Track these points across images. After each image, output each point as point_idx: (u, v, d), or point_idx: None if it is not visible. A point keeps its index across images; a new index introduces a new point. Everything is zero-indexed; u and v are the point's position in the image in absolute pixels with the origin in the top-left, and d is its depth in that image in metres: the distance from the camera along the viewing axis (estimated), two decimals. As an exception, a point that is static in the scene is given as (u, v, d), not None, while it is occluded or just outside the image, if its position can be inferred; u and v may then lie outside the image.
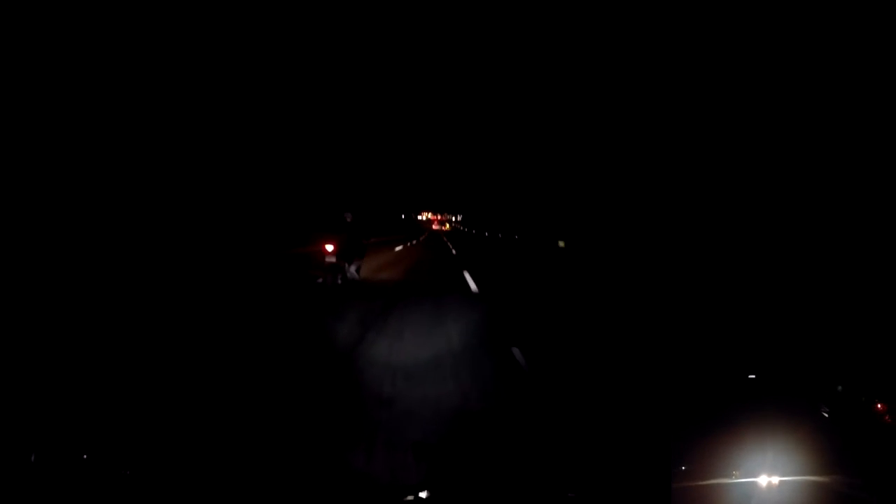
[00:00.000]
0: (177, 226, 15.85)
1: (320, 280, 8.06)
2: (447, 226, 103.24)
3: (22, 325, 4.98)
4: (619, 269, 15.19)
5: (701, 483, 1.53)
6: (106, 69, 15.20)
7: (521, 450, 2.75)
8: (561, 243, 26.26)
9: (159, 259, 12.26)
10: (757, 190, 13.56)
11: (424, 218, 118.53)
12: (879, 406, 1.53)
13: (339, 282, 8.00)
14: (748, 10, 13.98)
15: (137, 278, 9.25)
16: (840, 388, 1.59)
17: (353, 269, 8.30)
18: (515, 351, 4.80)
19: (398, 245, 23.23)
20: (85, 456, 1.42)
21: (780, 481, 1.47)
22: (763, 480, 1.47)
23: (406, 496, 1.39)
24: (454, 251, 23.37)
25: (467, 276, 11.65)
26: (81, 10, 14.41)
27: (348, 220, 8.21)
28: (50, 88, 13.66)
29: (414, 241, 27.90)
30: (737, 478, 1.50)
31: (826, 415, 1.53)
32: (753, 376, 1.87)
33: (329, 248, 7.88)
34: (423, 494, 1.39)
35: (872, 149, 10.56)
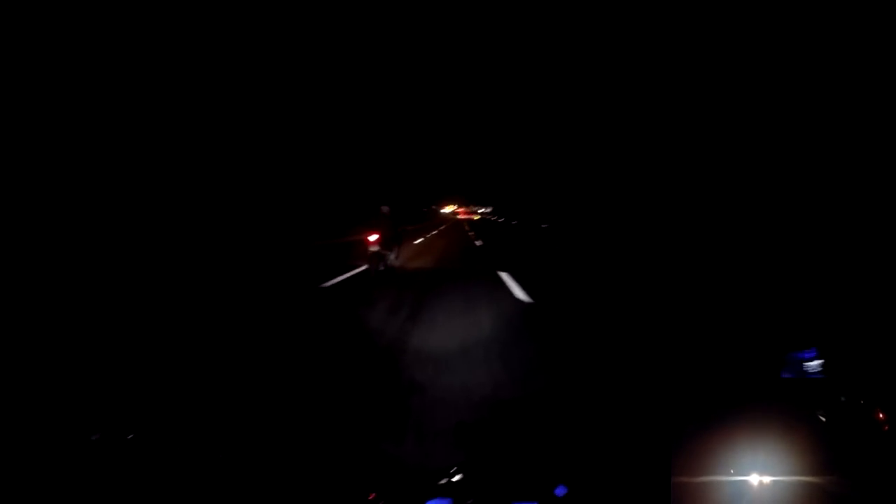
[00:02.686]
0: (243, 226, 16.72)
1: (366, 267, 9.31)
2: (476, 216, 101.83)
3: (34, 323, 5.36)
4: (627, 270, 14.92)
5: (691, 479, 1.55)
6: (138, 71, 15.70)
7: (552, 434, 2.78)
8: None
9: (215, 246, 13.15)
10: (761, 190, 13.22)
11: (450, 210, 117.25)
12: (879, 411, 1.53)
13: (382, 268, 9.11)
14: (740, 10, 13.55)
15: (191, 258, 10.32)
16: (843, 398, 1.57)
17: (392, 256, 9.47)
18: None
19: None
20: (130, 436, 1.41)
21: (773, 481, 1.48)
22: (755, 479, 1.48)
23: (440, 479, 1.35)
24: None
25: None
26: (82, 10, 14.83)
27: (385, 212, 9.16)
28: (63, 89, 14.11)
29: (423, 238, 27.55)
30: (728, 476, 1.51)
31: (822, 419, 1.53)
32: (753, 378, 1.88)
33: (372, 238, 8.87)
34: (455, 478, 1.36)
35: (872, 149, 10.15)
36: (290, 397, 3.40)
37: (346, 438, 2.73)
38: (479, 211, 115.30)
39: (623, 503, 1.47)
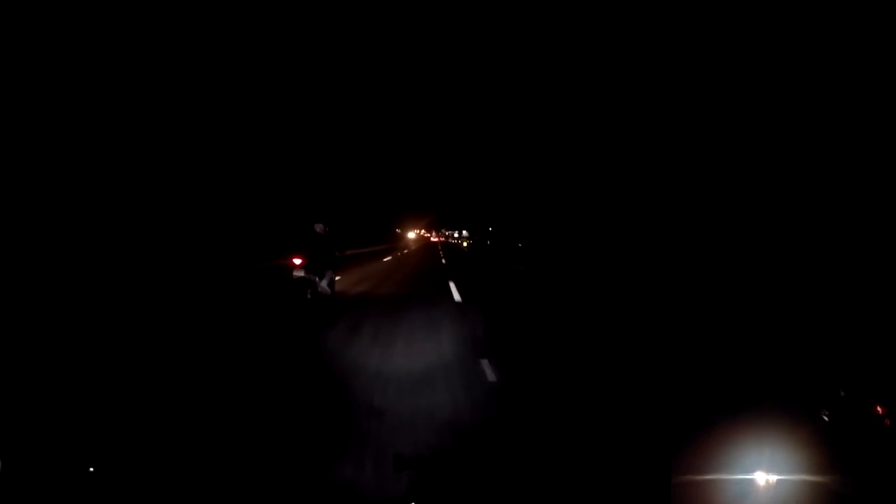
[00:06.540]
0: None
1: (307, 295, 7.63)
2: (465, 244, 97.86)
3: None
4: (625, 274, 14.99)
5: (698, 478, 1.52)
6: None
7: (509, 460, 2.68)
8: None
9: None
10: (758, 189, 13.48)
11: (415, 235, 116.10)
12: (879, 409, 1.54)
13: (309, 296, 7.55)
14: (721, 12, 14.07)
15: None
16: (842, 393, 1.59)
17: (324, 283, 7.86)
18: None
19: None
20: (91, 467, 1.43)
21: (777, 479, 1.46)
22: (760, 478, 1.48)
23: None
24: None
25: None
26: (74, 9, 14.34)
27: (319, 231, 7.81)
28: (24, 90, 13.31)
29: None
30: (733, 474, 1.49)
31: (826, 418, 1.53)
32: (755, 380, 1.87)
33: (297, 261, 7.54)
34: None
35: (872, 148, 10.54)
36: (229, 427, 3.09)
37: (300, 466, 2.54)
38: (454, 235, 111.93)
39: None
